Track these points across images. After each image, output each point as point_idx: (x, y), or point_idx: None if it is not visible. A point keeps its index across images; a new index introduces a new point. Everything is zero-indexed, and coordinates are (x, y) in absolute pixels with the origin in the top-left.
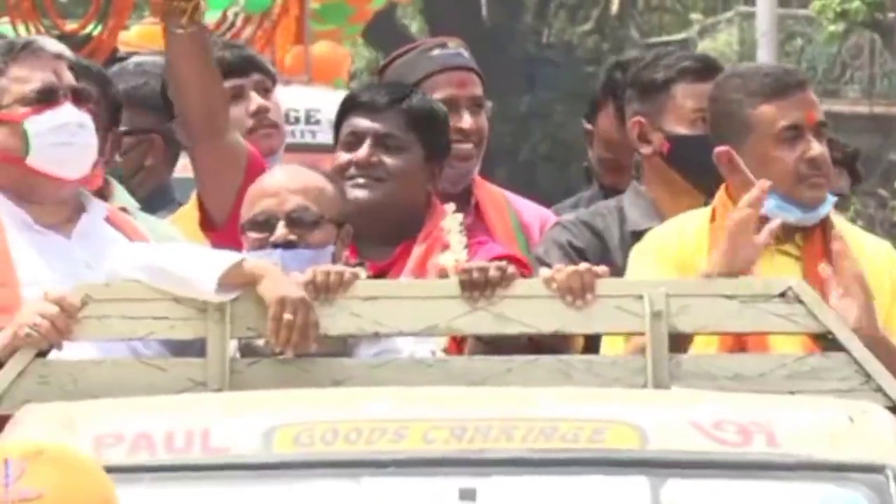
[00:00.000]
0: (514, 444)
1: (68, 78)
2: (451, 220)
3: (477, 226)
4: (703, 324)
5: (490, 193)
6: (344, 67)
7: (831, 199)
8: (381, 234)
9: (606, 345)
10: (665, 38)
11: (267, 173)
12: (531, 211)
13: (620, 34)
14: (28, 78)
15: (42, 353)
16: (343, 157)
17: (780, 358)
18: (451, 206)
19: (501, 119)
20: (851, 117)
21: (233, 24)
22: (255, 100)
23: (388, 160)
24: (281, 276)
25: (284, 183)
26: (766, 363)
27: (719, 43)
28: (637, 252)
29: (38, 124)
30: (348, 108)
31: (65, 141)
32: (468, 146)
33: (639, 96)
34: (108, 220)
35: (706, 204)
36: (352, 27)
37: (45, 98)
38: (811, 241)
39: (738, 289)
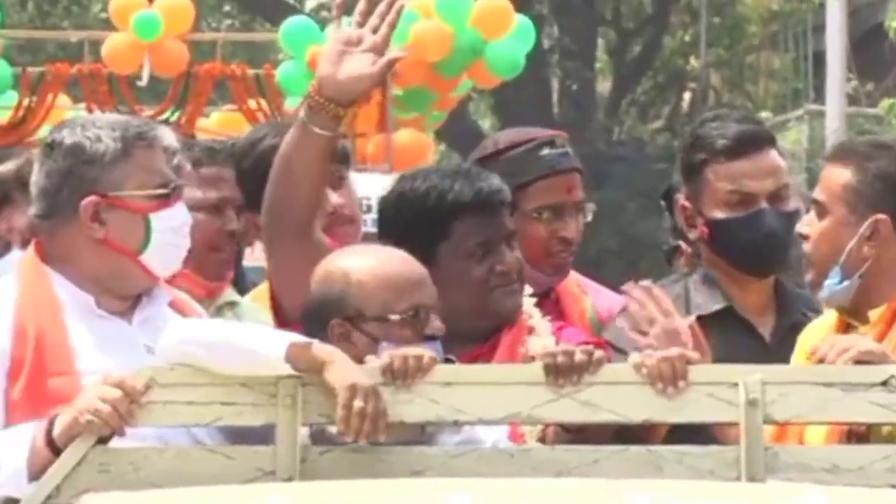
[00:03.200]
0: None
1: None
2: (528, 303)
3: (553, 313)
4: (800, 412)
5: (568, 282)
6: (427, 156)
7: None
8: (476, 332)
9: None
10: None
11: (390, 256)
12: (608, 300)
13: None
14: (150, 168)
15: (103, 440)
16: (477, 269)
17: (880, 449)
18: (527, 290)
19: None
20: None
21: None
22: (331, 199)
23: (519, 259)
24: (350, 362)
25: (423, 273)
26: (866, 455)
27: (789, 140)
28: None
29: (161, 221)
30: (455, 205)
31: (178, 243)
32: (566, 255)
33: (684, 179)
34: (171, 305)
35: (776, 285)
36: (435, 115)
37: (166, 195)
38: (880, 319)
39: (837, 376)
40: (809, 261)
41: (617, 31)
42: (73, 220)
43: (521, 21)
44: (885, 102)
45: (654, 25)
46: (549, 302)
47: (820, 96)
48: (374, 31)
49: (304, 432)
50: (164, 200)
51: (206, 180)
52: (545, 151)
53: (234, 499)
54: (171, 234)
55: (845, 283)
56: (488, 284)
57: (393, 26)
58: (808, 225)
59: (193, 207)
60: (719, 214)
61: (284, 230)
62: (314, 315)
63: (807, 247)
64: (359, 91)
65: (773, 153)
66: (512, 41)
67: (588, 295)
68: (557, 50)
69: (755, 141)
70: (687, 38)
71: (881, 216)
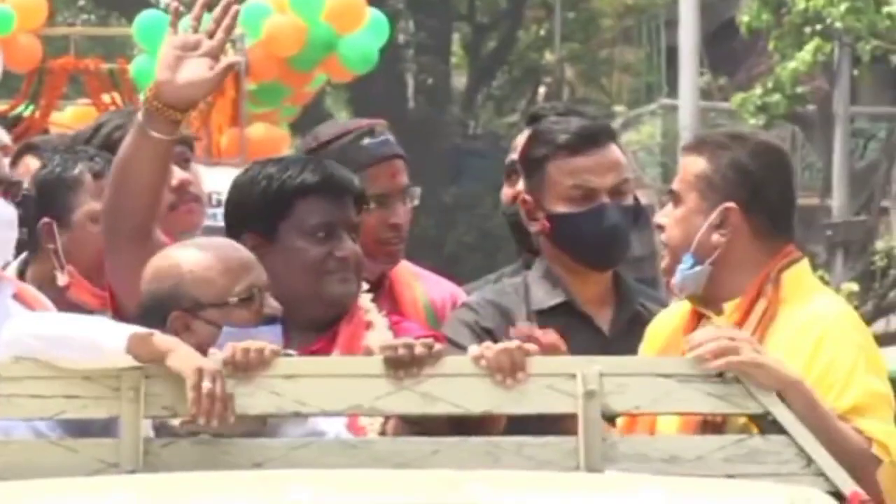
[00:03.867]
0: None
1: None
2: (365, 300)
3: (385, 302)
4: (637, 404)
5: (400, 270)
6: (281, 149)
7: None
8: (312, 319)
9: (662, 423)
10: None
11: (216, 245)
12: (441, 289)
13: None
14: None
15: None
16: (314, 250)
17: (718, 440)
18: (364, 286)
19: (427, 210)
20: None
21: None
22: (177, 173)
23: (358, 251)
24: (191, 349)
25: (248, 256)
26: (704, 445)
27: (643, 135)
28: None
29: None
30: (300, 188)
31: (10, 237)
32: (399, 245)
33: (525, 173)
34: (16, 297)
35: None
36: (288, 109)
37: None
38: (734, 311)
39: (674, 368)
40: (665, 248)
41: (472, 26)
42: None
43: (374, 15)
44: (738, 97)
45: (509, 20)
46: (383, 290)
47: (673, 91)
48: (211, 35)
49: (146, 425)
50: None
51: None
52: (365, 141)
53: (77, 491)
54: (6, 229)
55: (696, 268)
56: (325, 267)
57: (229, 31)
58: (665, 215)
59: (90, 218)
60: (561, 209)
61: (124, 233)
62: (151, 312)
63: (662, 235)
64: (196, 96)
65: (614, 148)
66: (365, 35)
67: (421, 282)
68: (413, 45)
69: (596, 136)
70: (542, 32)
71: (730, 204)
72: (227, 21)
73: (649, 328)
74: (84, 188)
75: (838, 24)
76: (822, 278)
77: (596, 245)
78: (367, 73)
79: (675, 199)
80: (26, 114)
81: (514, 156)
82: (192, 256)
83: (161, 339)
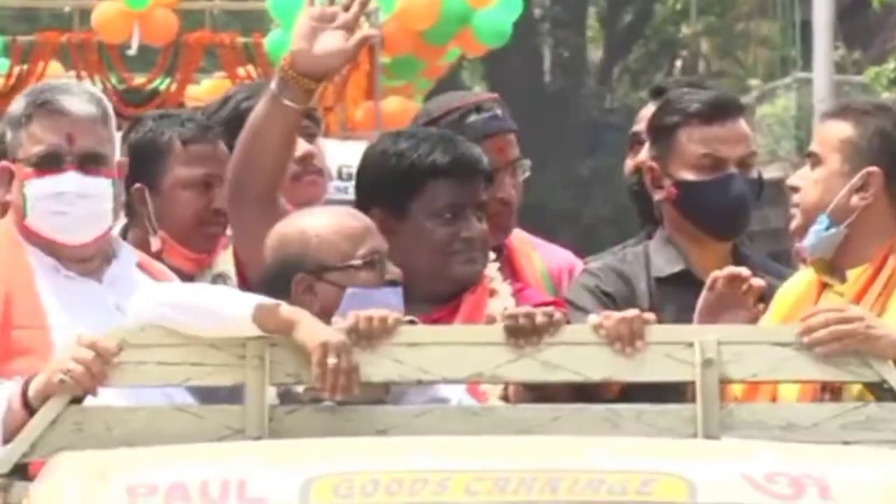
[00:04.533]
0: (559, 496)
1: (85, 143)
2: (492, 268)
3: (506, 272)
4: (755, 372)
5: (518, 240)
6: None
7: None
8: (436, 295)
9: (782, 391)
10: None
11: (339, 211)
12: (558, 257)
13: None
14: (39, 138)
15: (77, 400)
16: (441, 230)
17: (834, 407)
18: (490, 255)
19: (564, 183)
20: None
21: None
22: (301, 145)
23: (485, 230)
24: (317, 321)
25: (369, 222)
26: (820, 412)
27: (777, 108)
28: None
29: (36, 189)
30: (432, 168)
31: (60, 210)
32: (508, 218)
33: (652, 140)
34: (139, 266)
35: (734, 250)
36: (423, 82)
37: (47, 163)
38: (859, 278)
39: (791, 336)
40: (798, 208)
41: (607, 0)
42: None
43: None
44: (871, 71)
45: None
46: (502, 259)
47: (808, 64)
48: (346, 9)
49: (271, 392)
50: (46, 170)
51: (194, 157)
52: (472, 118)
53: (204, 456)
54: (49, 202)
55: (832, 230)
56: (451, 248)
57: (364, 5)
58: (801, 178)
59: (179, 185)
60: (689, 176)
61: (249, 200)
62: (275, 278)
63: (796, 196)
64: (332, 67)
65: (743, 122)
66: (499, 10)
67: (538, 251)
68: (548, 18)
69: (728, 108)
70: (678, 5)
71: (874, 169)
72: None
73: (776, 296)
74: (173, 154)
75: None
76: None
77: (722, 214)
78: (502, 47)
79: (815, 160)
80: (162, 87)
81: (638, 127)
82: (317, 222)
83: (287, 310)
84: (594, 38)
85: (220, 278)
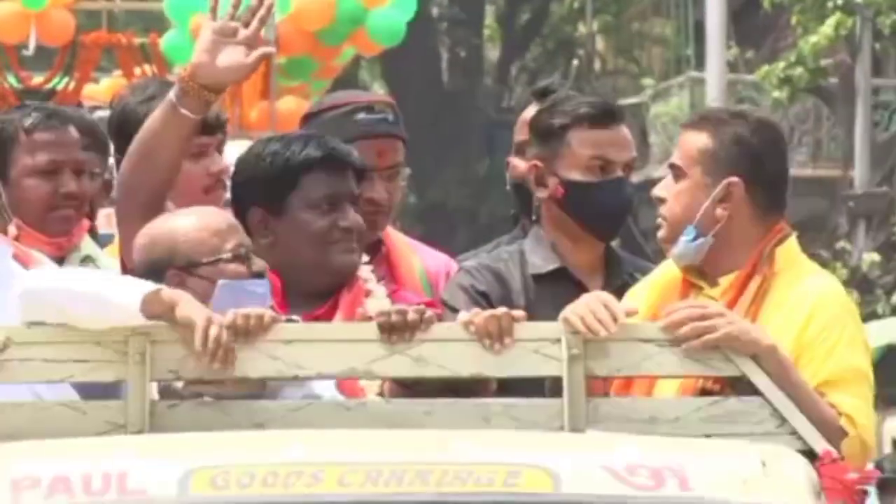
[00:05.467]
0: (429, 487)
1: None
2: (365, 270)
3: (384, 272)
4: (619, 367)
5: (398, 243)
6: None
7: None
8: (316, 287)
9: (661, 387)
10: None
11: (205, 211)
12: (435, 259)
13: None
14: None
15: None
16: (319, 221)
17: (695, 401)
18: (364, 257)
19: (462, 182)
20: (798, 180)
21: None
22: (218, 161)
23: (360, 221)
24: (197, 302)
25: (233, 219)
26: (682, 407)
27: (671, 107)
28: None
29: None
30: (305, 162)
31: None
32: (377, 217)
33: (537, 140)
34: (15, 257)
35: (608, 248)
36: (318, 83)
37: None
38: (731, 284)
39: (655, 333)
40: (664, 220)
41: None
42: None
43: None
44: (762, 70)
45: None
46: (380, 257)
47: (701, 64)
48: (246, 25)
49: (152, 387)
50: None
51: (38, 145)
52: (360, 116)
53: (86, 450)
54: None
55: (700, 240)
56: (329, 237)
57: (263, 22)
58: (665, 188)
59: (24, 173)
60: (578, 177)
61: (138, 204)
62: (148, 276)
63: (662, 208)
64: (231, 80)
65: (626, 129)
66: (393, 10)
67: (416, 252)
68: (446, 18)
69: (615, 115)
70: (575, 4)
71: (734, 179)
72: (262, 12)
73: (648, 278)
74: (18, 144)
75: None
76: (843, 249)
77: (609, 215)
78: (400, 47)
79: (678, 172)
80: (60, 87)
81: (523, 136)
82: (184, 221)
83: (169, 293)
84: (491, 37)
85: (88, 260)
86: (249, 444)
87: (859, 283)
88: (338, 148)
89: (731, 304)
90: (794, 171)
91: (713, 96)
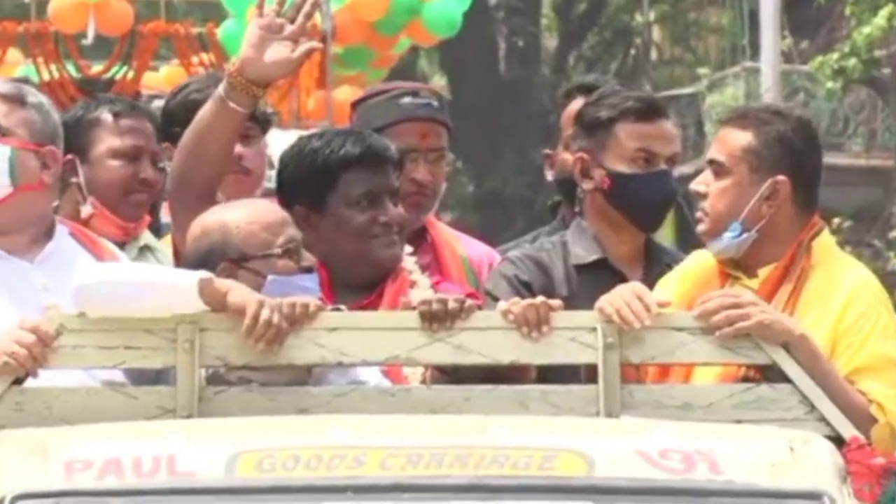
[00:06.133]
0: (468, 470)
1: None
2: (409, 262)
3: (433, 263)
4: (653, 355)
5: (443, 233)
6: None
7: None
8: (361, 279)
9: (697, 375)
10: (675, 92)
11: (257, 204)
12: (478, 249)
13: (634, 87)
14: None
15: (18, 381)
16: (359, 217)
17: (727, 388)
18: (407, 248)
19: (519, 170)
20: (852, 170)
21: None
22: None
23: (404, 216)
24: (247, 289)
25: (284, 214)
26: (715, 393)
27: (726, 97)
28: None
29: None
30: (344, 160)
31: None
32: (421, 199)
33: (583, 133)
34: (73, 235)
35: (648, 238)
36: (375, 72)
37: None
38: (770, 276)
39: (688, 322)
40: (707, 214)
41: None
42: None
43: None
44: (816, 60)
45: None
46: (425, 245)
47: (756, 54)
48: (292, 21)
49: (201, 374)
50: None
51: (124, 130)
52: (405, 100)
53: (137, 433)
54: None
55: (744, 235)
56: (370, 232)
57: (309, 18)
58: (705, 183)
59: (110, 154)
60: (624, 169)
61: (190, 194)
62: (199, 266)
63: (705, 203)
64: (277, 75)
65: (670, 123)
66: (449, 1)
67: (460, 242)
68: (503, 7)
69: (660, 109)
70: None
71: (781, 178)
72: (306, 8)
73: (682, 266)
74: (104, 126)
75: None
76: None
77: (653, 206)
78: (458, 36)
79: (721, 169)
80: (118, 76)
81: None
82: (237, 214)
83: (221, 281)
84: (549, 26)
85: (146, 249)
86: (294, 428)
87: None
88: (375, 144)
89: (771, 295)
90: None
91: (767, 86)
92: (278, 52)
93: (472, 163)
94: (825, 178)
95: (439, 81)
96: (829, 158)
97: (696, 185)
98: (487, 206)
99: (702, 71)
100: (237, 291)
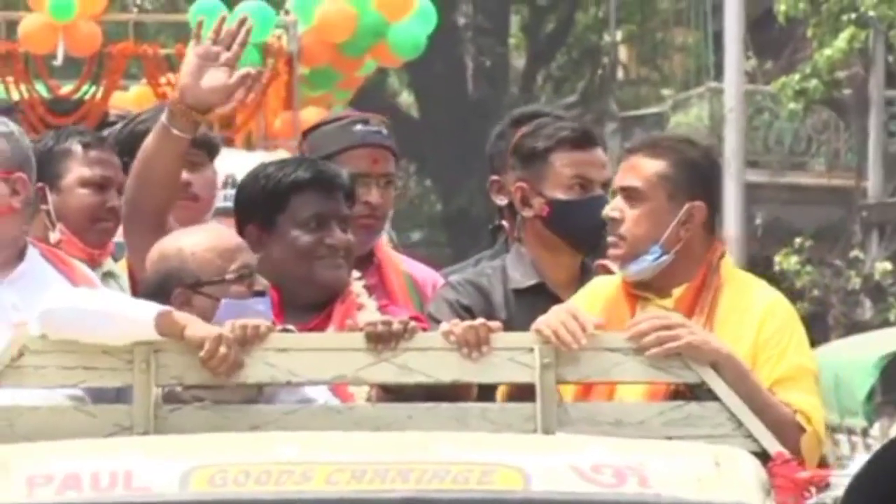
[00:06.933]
0: (409, 485)
1: None
2: (357, 285)
3: (379, 284)
4: (587, 373)
5: (388, 256)
6: None
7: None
8: (309, 301)
9: (619, 392)
10: (641, 112)
11: (213, 230)
12: (422, 272)
13: (600, 107)
14: None
15: None
16: (305, 237)
17: (658, 406)
18: (354, 273)
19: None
20: (813, 190)
21: None
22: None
23: (351, 241)
24: (204, 323)
25: (239, 240)
26: (646, 411)
27: (691, 117)
28: None
29: None
30: (295, 183)
31: None
32: (373, 221)
33: (520, 163)
34: (44, 256)
35: (583, 263)
36: (341, 93)
37: None
38: (684, 295)
39: (620, 342)
40: (623, 239)
41: (530, 8)
42: None
43: (422, 4)
44: (778, 81)
45: (567, 1)
46: (371, 266)
47: (721, 74)
48: (227, 48)
49: (156, 392)
50: None
51: (93, 161)
52: (357, 127)
53: (95, 450)
54: None
55: (663, 258)
56: (315, 253)
57: (243, 45)
58: (619, 210)
59: (79, 183)
60: (562, 196)
61: (141, 220)
62: (157, 289)
63: (621, 228)
64: (215, 100)
65: (602, 151)
66: (414, 24)
67: (405, 264)
68: (471, 27)
69: (593, 138)
70: (600, 14)
71: (698, 203)
72: (241, 36)
73: (587, 290)
74: (74, 157)
75: (872, 13)
76: (856, 258)
77: (591, 229)
78: (426, 56)
79: (637, 195)
80: (87, 96)
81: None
82: (193, 240)
83: (179, 315)
84: (517, 45)
85: (109, 276)
86: (245, 445)
87: (872, 291)
88: (326, 170)
89: (688, 314)
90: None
91: (731, 106)
92: (215, 78)
93: (440, 182)
94: (788, 196)
95: (407, 100)
96: (793, 178)
97: (609, 212)
98: (454, 224)
99: (666, 92)
100: (194, 325)
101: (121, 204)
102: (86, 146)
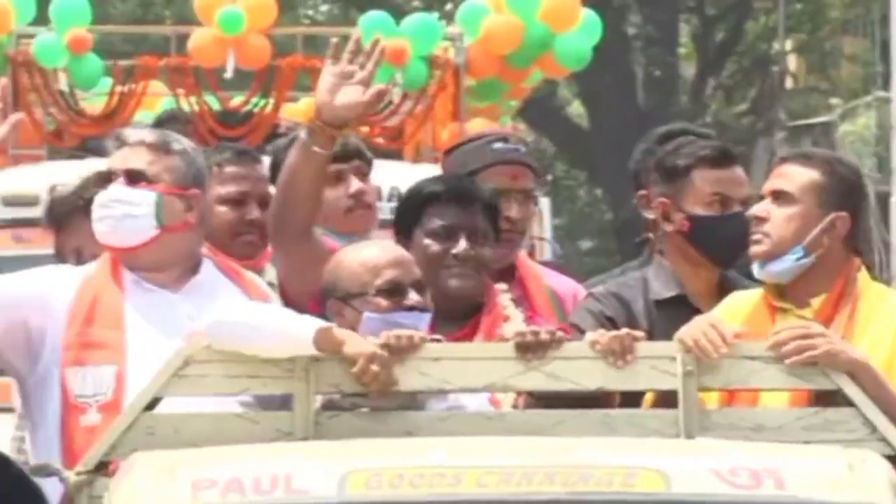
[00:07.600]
0: (555, 487)
1: (133, 161)
2: (504, 297)
3: (522, 298)
4: (728, 381)
5: (530, 270)
6: None
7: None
8: (455, 312)
9: (764, 398)
10: (809, 121)
11: (374, 245)
12: (564, 285)
13: (770, 116)
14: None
15: (149, 407)
16: (434, 247)
17: (797, 411)
18: (502, 286)
19: None
20: None
21: (390, 102)
22: (355, 183)
23: (481, 252)
24: (362, 339)
25: (401, 255)
26: (785, 416)
27: (858, 126)
28: None
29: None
30: (429, 196)
31: (105, 215)
32: (512, 233)
33: (662, 179)
34: (217, 266)
35: (721, 276)
36: (508, 104)
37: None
38: (824, 306)
39: (760, 351)
40: (768, 236)
41: (700, 18)
42: None
43: (587, 15)
44: None
45: (737, 11)
46: (514, 280)
47: (889, 83)
48: (362, 67)
49: (316, 400)
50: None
51: (227, 178)
52: (497, 145)
53: (257, 455)
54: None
55: (804, 260)
56: (442, 262)
57: (377, 64)
58: (767, 210)
59: (216, 201)
60: (701, 212)
61: (287, 234)
62: (321, 300)
63: (765, 226)
64: (350, 116)
65: (741, 169)
66: (579, 35)
67: (546, 276)
68: (641, 37)
69: (732, 156)
70: (770, 23)
71: (842, 214)
72: (375, 56)
73: (728, 302)
74: (212, 176)
75: None
76: None
77: (730, 245)
78: (596, 67)
79: (787, 198)
80: (257, 109)
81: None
82: (349, 255)
83: (338, 331)
84: (687, 55)
85: (271, 286)
86: (400, 449)
87: None
88: (459, 184)
89: (827, 324)
90: None
91: None
92: (349, 95)
93: (610, 191)
94: None
95: (577, 110)
96: None
97: (757, 211)
98: (624, 233)
99: (834, 101)
100: (351, 342)
101: (263, 216)
102: (219, 164)
